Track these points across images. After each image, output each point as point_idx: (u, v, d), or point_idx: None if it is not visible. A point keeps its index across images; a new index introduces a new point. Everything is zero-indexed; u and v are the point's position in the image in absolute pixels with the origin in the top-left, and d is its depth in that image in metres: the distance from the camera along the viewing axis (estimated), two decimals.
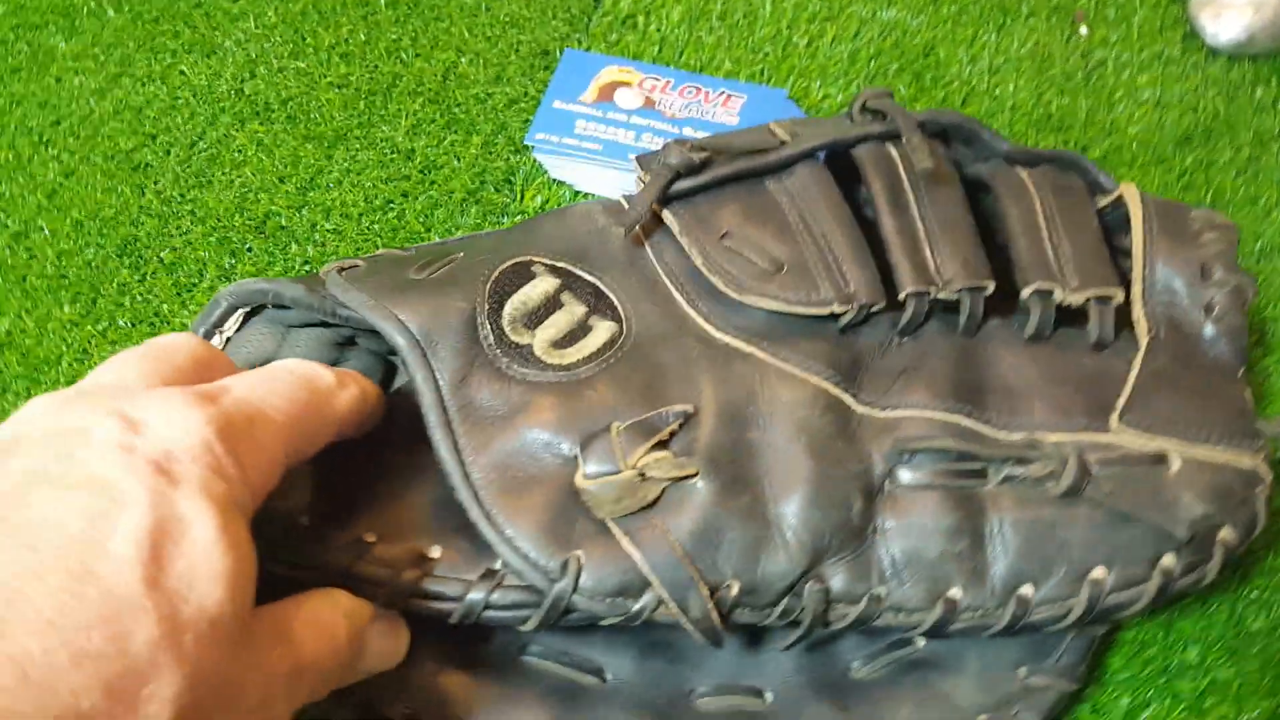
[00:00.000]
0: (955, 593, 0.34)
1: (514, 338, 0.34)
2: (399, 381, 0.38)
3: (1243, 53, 0.57)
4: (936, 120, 0.40)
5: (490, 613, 0.32)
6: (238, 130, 0.54)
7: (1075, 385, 0.36)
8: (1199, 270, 0.38)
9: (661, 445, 0.33)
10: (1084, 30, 0.59)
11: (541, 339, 0.35)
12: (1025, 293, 0.37)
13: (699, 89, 0.54)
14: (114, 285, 0.49)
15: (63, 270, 0.50)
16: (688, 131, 0.52)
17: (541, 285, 0.36)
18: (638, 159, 0.39)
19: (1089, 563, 0.34)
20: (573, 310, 0.36)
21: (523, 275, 0.36)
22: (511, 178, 0.53)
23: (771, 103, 0.53)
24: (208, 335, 0.35)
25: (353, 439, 0.34)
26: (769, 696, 0.37)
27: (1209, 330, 0.37)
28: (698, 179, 0.37)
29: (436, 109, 0.55)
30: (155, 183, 0.53)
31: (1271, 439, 0.36)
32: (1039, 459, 0.34)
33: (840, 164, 0.40)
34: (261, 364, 0.35)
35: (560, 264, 0.36)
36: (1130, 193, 0.40)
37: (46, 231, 0.51)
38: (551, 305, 0.35)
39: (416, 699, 0.32)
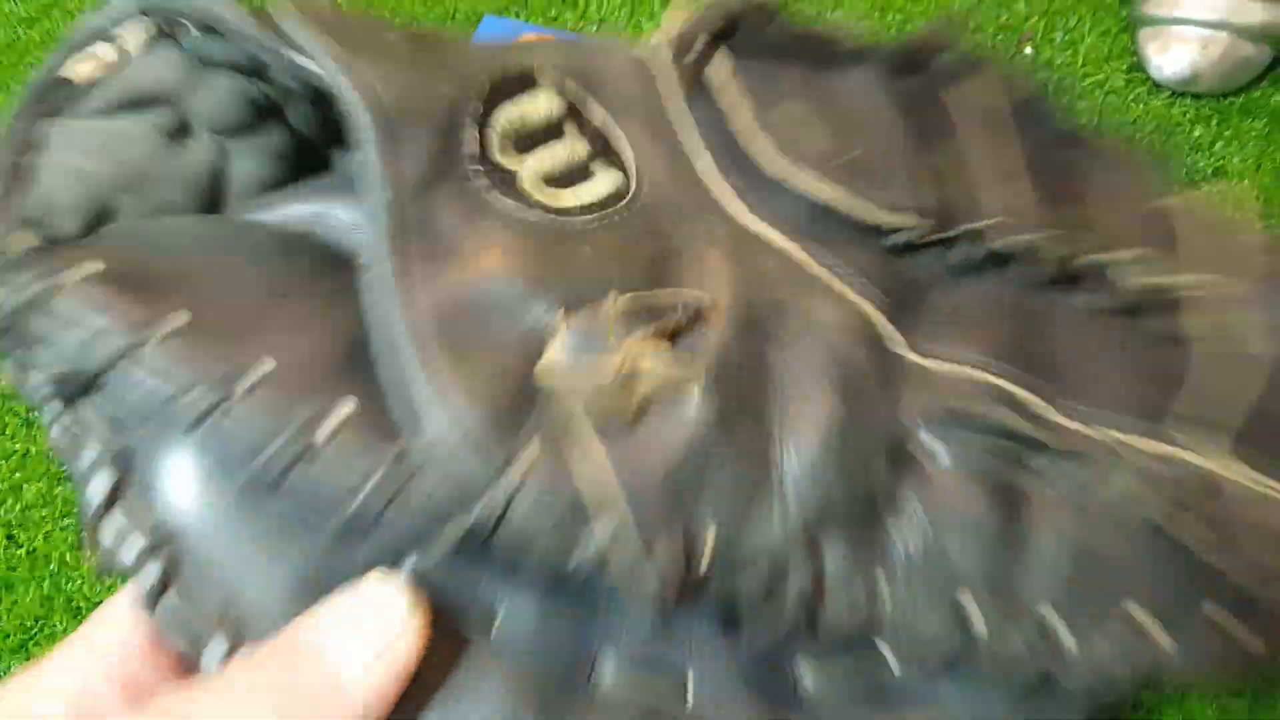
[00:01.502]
0: (968, 603, 0.27)
1: (500, 157, 0.26)
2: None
3: (1187, 89, 0.55)
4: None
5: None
6: None
7: (1150, 379, 0.30)
8: None
9: (665, 336, 0.25)
10: (1029, 51, 0.56)
11: (531, 168, 0.26)
12: (1124, 254, 0.31)
13: None
14: None
15: None
16: None
17: (545, 103, 0.27)
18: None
19: (1127, 596, 0.28)
20: (574, 146, 0.27)
21: (525, 83, 0.27)
22: None
23: None
24: (98, 34, 0.24)
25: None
26: (690, 698, 0.29)
27: None
28: (758, 36, 0.30)
29: None
30: None
31: None
32: (1101, 458, 0.28)
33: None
34: (159, 99, 0.25)
35: (570, 84, 0.28)
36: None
37: None
38: (552, 131, 0.27)
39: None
